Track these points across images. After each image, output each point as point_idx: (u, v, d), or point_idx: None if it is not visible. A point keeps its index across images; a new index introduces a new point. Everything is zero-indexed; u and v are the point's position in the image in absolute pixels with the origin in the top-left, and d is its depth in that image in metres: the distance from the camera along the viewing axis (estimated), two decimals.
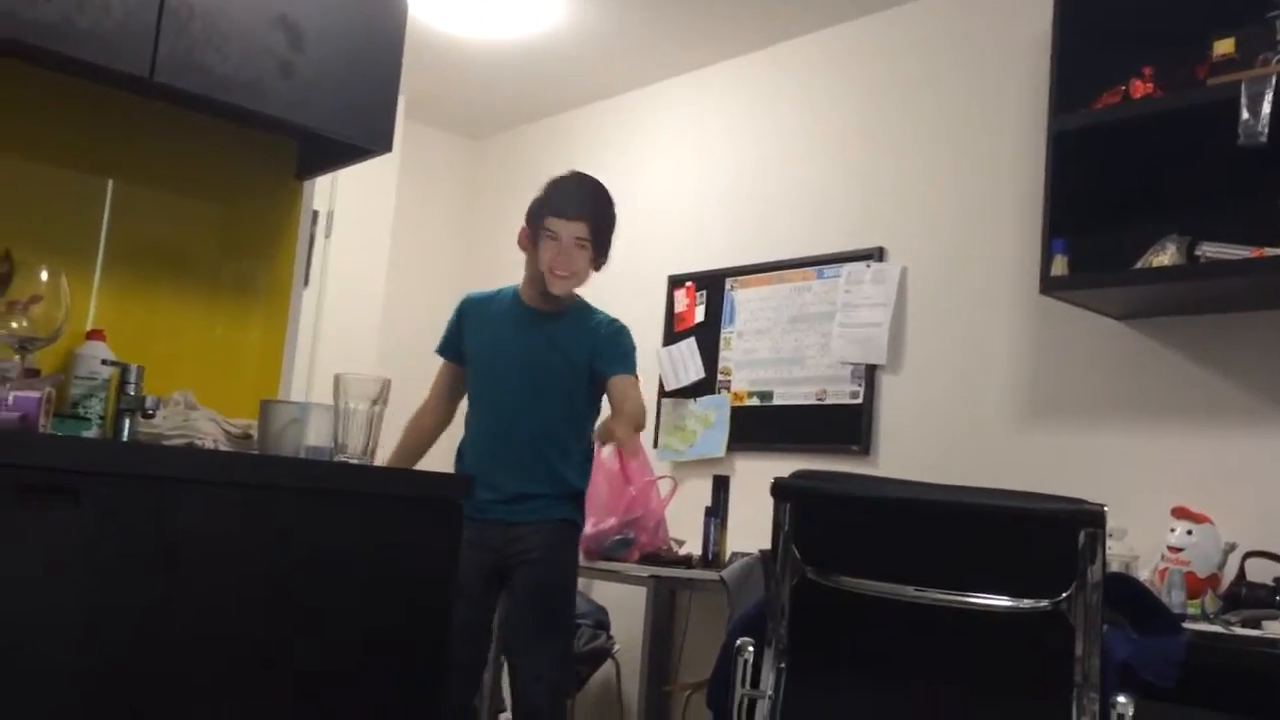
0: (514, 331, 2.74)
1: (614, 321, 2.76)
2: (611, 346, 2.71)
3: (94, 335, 2.18)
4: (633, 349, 2.76)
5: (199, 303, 2.48)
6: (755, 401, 3.69)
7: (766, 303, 3.72)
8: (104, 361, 2.10)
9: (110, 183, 2.38)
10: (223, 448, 2.11)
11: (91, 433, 2.05)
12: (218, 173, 2.52)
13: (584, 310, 2.78)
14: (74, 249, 2.32)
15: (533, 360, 2.69)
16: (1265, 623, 2.13)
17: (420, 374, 4.81)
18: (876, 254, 3.43)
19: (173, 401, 2.17)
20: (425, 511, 1.97)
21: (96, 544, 1.63)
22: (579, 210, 2.66)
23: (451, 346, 2.88)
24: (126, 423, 2.05)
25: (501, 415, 2.71)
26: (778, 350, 3.65)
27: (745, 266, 3.82)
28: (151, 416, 2.06)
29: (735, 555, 3.10)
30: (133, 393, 2.04)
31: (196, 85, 2.13)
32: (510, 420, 2.69)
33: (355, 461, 1.99)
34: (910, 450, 3.26)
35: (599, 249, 2.70)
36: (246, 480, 1.78)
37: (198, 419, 2.13)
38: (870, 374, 3.38)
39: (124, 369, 2.06)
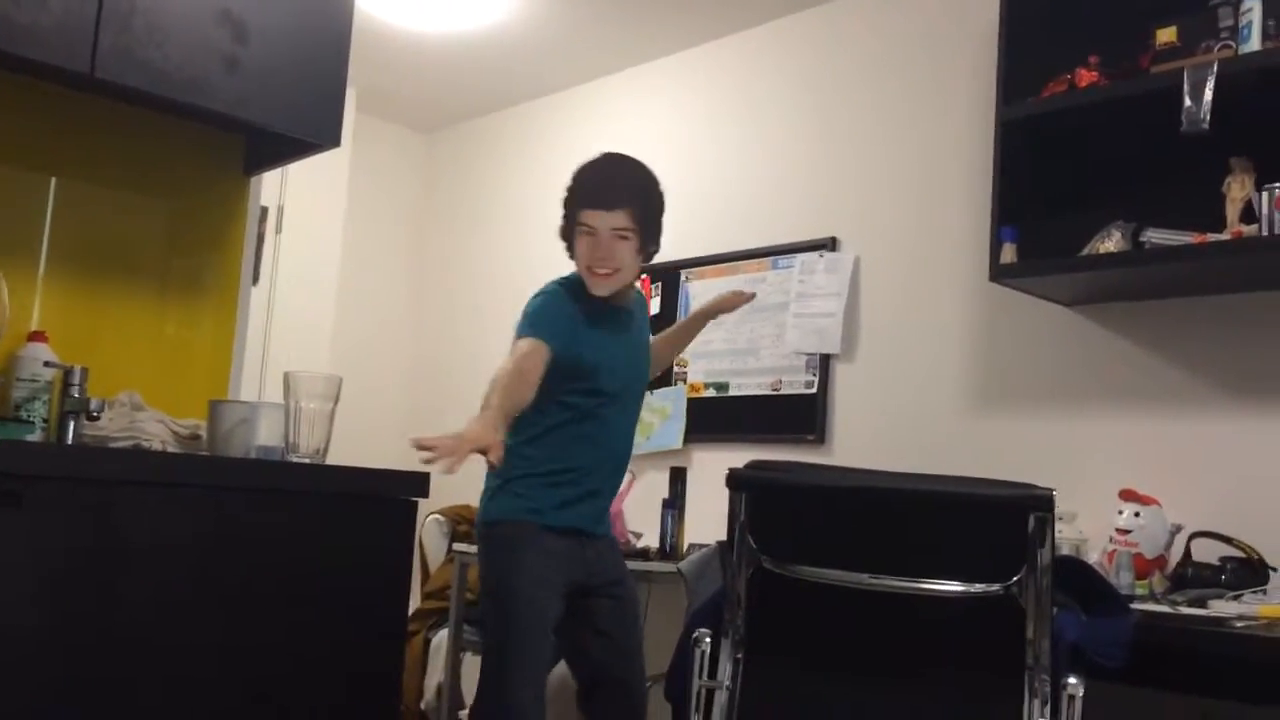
0: (611, 333, 2.41)
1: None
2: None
3: (36, 337, 2.14)
4: None
5: (145, 302, 2.45)
6: (711, 393, 3.70)
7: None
8: (46, 363, 2.06)
9: (53, 180, 2.34)
10: (170, 449, 2.09)
11: (35, 436, 2.01)
12: (163, 169, 2.48)
13: (639, 291, 2.57)
14: (15, 248, 2.27)
15: (633, 362, 2.47)
16: (1211, 602, 2.17)
17: (374, 370, 4.81)
18: (829, 244, 3.45)
19: (118, 403, 2.14)
20: (379, 509, 1.96)
21: (40, 549, 1.60)
22: (620, 199, 2.32)
23: (564, 338, 2.29)
24: (71, 425, 2.01)
25: (620, 425, 2.44)
26: (733, 341, 3.65)
27: (700, 258, 3.82)
28: (96, 418, 2.03)
29: (693, 547, 3.11)
30: (76, 395, 2.01)
31: (138, 81, 2.10)
32: (624, 431, 2.46)
33: (307, 461, 1.98)
34: (864, 438, 3.29)
35: (647, 238, 2.37)
36: (195, 482, 1.76)
37: (144, 420, 2.10)
38: (824, 363, 3.39)
39: (67, 371, 2.03)
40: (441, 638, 3.77)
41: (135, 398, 2.17)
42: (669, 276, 3.90)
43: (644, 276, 3.96)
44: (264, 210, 3.94)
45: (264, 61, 2.26)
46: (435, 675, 3.79)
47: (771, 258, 3.59)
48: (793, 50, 3.69)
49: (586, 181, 2.36)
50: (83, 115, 2.34)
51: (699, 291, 3.79)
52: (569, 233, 2.38)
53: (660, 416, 3.78)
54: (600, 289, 2.34)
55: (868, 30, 3.48)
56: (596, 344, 2.36)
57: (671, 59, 4.10)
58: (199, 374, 2.51)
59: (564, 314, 2.33)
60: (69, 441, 2.00)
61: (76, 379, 2.02)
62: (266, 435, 2.00)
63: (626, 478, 3.54)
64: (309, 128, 2.35)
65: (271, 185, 4.04)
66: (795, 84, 3.66)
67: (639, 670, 2.44)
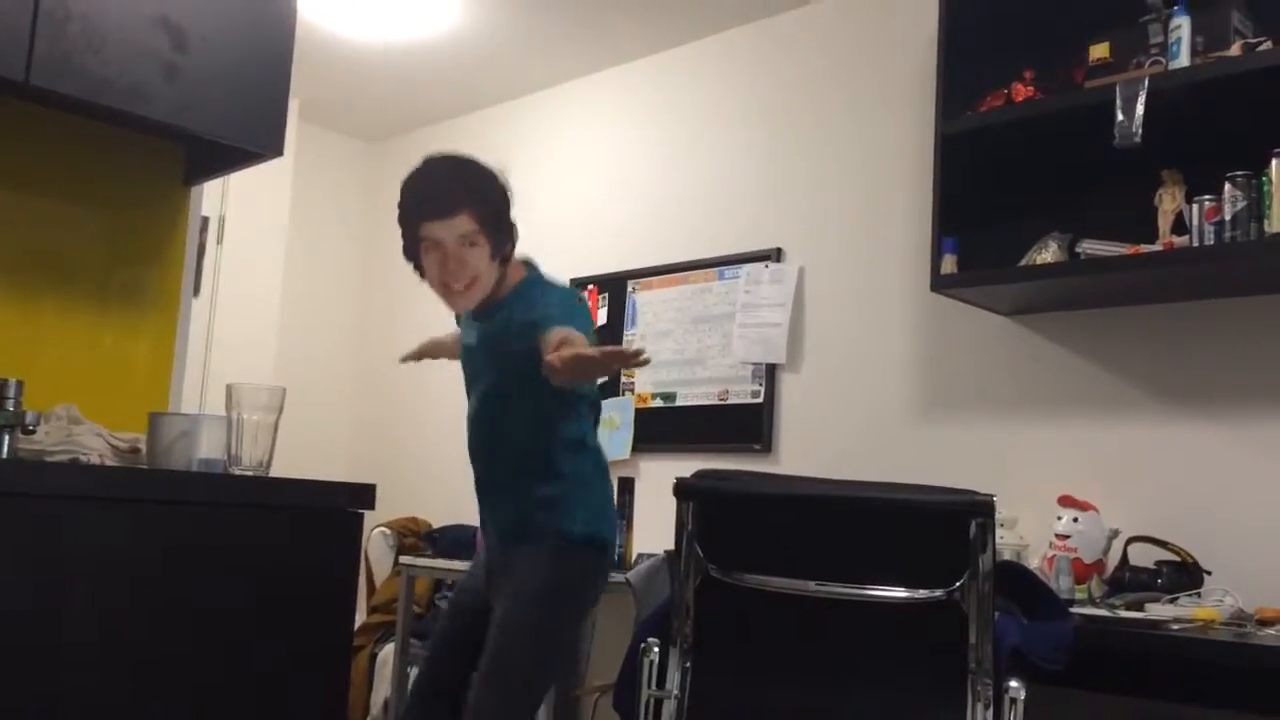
0: (472, 323, 2.27)
1: (568, 292, 2.25)
2: (557, 311, 2.09)
3: None
4: (581, 311, 2.18)
5: (83, 313, 2.40)
6: (659, 403, 3.71)
7: (668, 304, 3.75)
8: None
9: None
10: (109, 463, 2.05)
11: None
12: (102, 178, 2.44)
13: (532, 285, 2.23)
14: None
15: (483, 354, 2.24)
16: (1148, 605, 2.22)
17: (318, 382, 4.76)
18: (775, 254, 3.48)
19: (55, 416, 2.10)
20: (324, 521, 1.94)
21: None
22: (459, 202, 2.10)
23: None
24: (6, 440, 1.97)
25: (479, 417, 2.25)
26: (680, 351, 3.67)
27: (646, 268, 3.83)
28: (32, 432, 1.98)
29: (641, 557, 3.11)
30: (12, 408, 1.96)
31: (75, 89, 2.07)
32: (483, 422, 2.25)
33: (250, 473, 1.95)
34: (810, 447, 3.31)
35: (497, 237, 2.14)
36: (134, 496, 1.73)
37: (82, 434, 2.06)
38: (770, 373, 3.42)
39: (2, 384, 1.98)
40: (388, 652, 3.73)
41: (73, 411, 2.12)
42: (615, 287, 3.91)
43: (591, 287, 3.97)
44: (205, 220, 3.89)
45: (204, 69, 2.23)
46: (382, 690, 3.75)
47: (718, 268, 3.61)
48: (738, 63, 3.72)
49: (417, 192, 2.14)
50: (17, 123, 2.30)
51: (646, 302, 3.80)
52: (412, 251, 2.18)
53: (609, 427, 3.79)
54: (461, 304, 2.18)
55: (812, 44, 3.52)
56: (462, 344, 2.32)
57: (618, 70, 4.11)
58: (138, 386, 2.46)
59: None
60: (4, 456, 1.95)
61: (11, 392, 1.97)
62: (208, 448, 1.97)
63: None
64: (251, 137, 2.32)
65: (213, 195, 3.99)
66: (741, 96, 3.69)
67: (479, 693, 2.12)
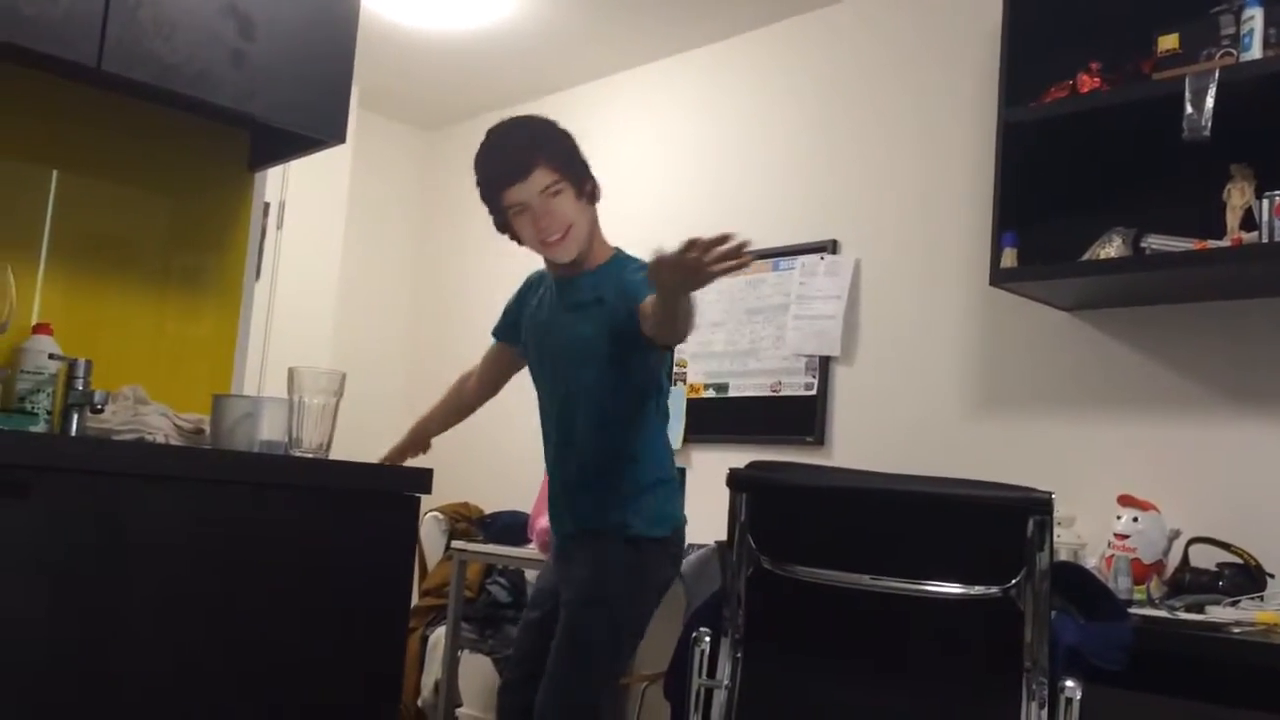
0: (546, 306, 2.33)
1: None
2: (640, 281, 2.10)
3: (40, 329, 2.14)
4: None
5: (148, 296, 2.45)
6: (711, 394, 3.70)
7: (722, 295, 3.73)
8: (51, 356, 2.07)
9: (55, 173, 2.34)
10: (174, 442, 2.09)
11: (39, 428, 2.02)
12: (167, 163, 2.49)
13: (619, 260, 2.29)
14: (18, 241, 2.28)
15: (558, 337, 2.28)
16: (1209, 607, 2.18)
17: (374, 367, 4.81)
18: (830, 246, 3.45)
19: (122, 396, 2.15)
20: (381, 504, 1.97)
21: (46, 541, 1.61)
22: (528, 160, 2.15)
23: (506, 329, 2.50)
24: (75, 418, 2.02)
25: (553, 410, 2.31)
26: (733, 342, 3.66)
27: None
28: (100, 411, 2.03)
29: (692, 547, 3.11)
30: (81, 387, 2.02)
31: (145, 74, 2.11)
32: (558, 416, 2.29)
33: (310, 456, 1.98)
34: (863, 440, 3.29)
35: (577, 180, 2.20)
36: (198, 475, 1.76)
37: (148, 414, 2.11)
38: (824, 365, 3.40)
39: (72, 363, 2.03)
40: (439, 635, 3.78)
41: (139, 391, 2.17)
42: None
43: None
44: (265, 205, 3.95)
45: (270, 56, 2.26)
46: (432, 672, 3.79)
47: (773, 259, 3.60)
48: (796, 53, 3.70)
49: (490, 165, 2.21)
50: (86, 108, 2.34)
51: (699, 291, 3.79)
52: (503, 222, 2.26)
53: None
54: (562, 255, 2.21)
55: (871, 34, 3.49)
56: (530, 322, 2.37)
57: (674, 60, 4.10)
58: (201, 369, 2.51)
59: (513, 301, 2.49)
60: (73, 433, 2.00)
61: (81, 371, 2.02)
62: (270, 430, 2.01)
63: None
64: (314, 123, 2.36)
65: (273, 181, 4.04)
66: (798, 86, 3.67)
67: (544, 694, 2.16)
